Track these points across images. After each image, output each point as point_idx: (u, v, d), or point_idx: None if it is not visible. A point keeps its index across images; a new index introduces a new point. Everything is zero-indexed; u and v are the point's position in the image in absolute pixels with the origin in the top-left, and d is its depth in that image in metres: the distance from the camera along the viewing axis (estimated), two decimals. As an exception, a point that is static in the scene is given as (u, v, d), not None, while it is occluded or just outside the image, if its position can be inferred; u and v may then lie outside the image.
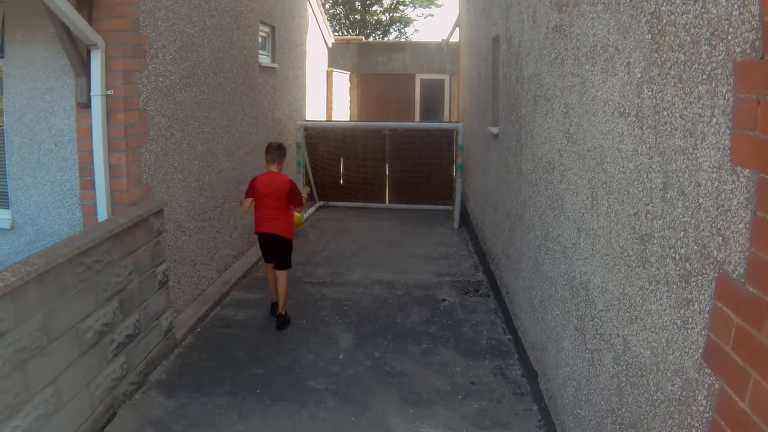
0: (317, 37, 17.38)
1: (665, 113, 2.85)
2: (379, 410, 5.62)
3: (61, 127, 6.24)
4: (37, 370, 4.33)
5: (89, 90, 5.96)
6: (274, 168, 7.56)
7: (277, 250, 7.56)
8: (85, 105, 6.01)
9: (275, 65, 11.94)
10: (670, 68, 2.80)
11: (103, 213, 6.08)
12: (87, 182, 6.18)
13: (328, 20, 20.32)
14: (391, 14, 42.63)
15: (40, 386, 4.36)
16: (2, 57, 6.32)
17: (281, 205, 7.42)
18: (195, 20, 7.69)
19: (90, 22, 5.81)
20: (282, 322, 7.47)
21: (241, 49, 9.61)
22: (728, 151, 2.29)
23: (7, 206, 6.57)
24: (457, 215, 13.00)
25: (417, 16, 51.31)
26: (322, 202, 14.88)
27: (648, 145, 3.06)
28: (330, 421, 5.44)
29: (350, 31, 40.92)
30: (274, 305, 7.76)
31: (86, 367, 4.98)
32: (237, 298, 8.53)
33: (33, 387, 4.27)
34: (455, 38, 19.15)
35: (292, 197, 7.48)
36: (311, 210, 14.13)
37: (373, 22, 42.20)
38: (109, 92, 6.00)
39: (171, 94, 7.11)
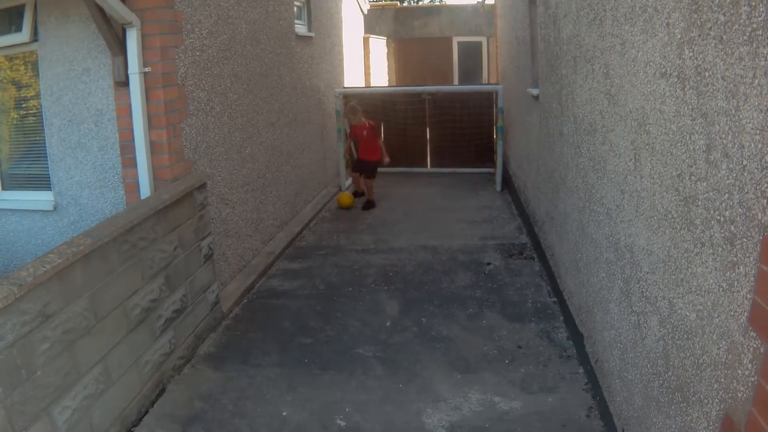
0: (352, 4, 17.30)
1: (707, 74, 2.79)
2: (427, 377, 5.65)
3: (100, 107, 6.28)
4: (86, 349, 4.40)
5: (127, 68, 5.98)
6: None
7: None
8: (123, 83, 6.04)
9: (312, 34, 11.90)
10: (710, 29, 2.74)
11: (145, 190, 6.13)
12: (128, 160, 6.23)
13: (363, -14, 20.22)
14: (426, -23, 42.27)
15: (89, 365, 4.44)
16: (36, 41, 6.36)
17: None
18: (230, -7, 7.68)
19: (124, 0, 5.82)
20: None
21: (277, 19, 9.59)
22: (771, 113, 2.24)
23: (49, 188, 6.65)
24: (499, 178, 12.95)
25: (452, -22, 50.78)
26: (363, 169, 14.89)
27: (690, 107, 3.01)
28: (379, 389, 5.48)
29: (384, -5, 40.64)
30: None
31: (134, 344, 5.06)
32: (282, 268, 8.59)
33: (82, 367, 4.35)
34: (490, 0, 18.96)
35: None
36: (353, 177, 14.17)
37: (408, -15, 41.88)
38: (147, 69, 6.02)
39: (209, 68, 7.12)
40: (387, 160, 12.01)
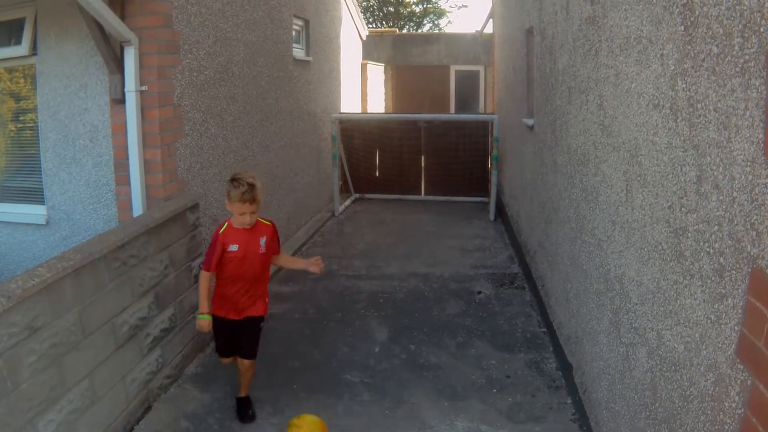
0: (351, 29, 17.39)
1: (699, 106, 2.81)
2: (414, 404, 5.62)
3: (95, 123, 6.29)
4: (73, 364, 4.38)
5: (123, 86, 6.00)
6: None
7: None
8: (119, 101, 6.06)
9: (310, 59, 11.96)
10: (703, 60, 2.76)
11: (138, 208, 6.13)
12: (122, 177, 6.24)
13: (362, 12, 20.34)
14: (424, 5, 42.53)
15: (76, 380, 4.42)
16: (35, 54, 6.39)
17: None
18: (228, 15, 7.72)
19: (123, 18, 5.85)
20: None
21: (275, 43, 9.64)
22: (762, 145, 2.25)
23: (42, 202, 6.66)
24: (492, 207, 12.96)
25: (450, 7, 51.08)
26: (357, 195, 14.92)
27: (682, 138, 3.02)
28: (365, 415, 5.45)
29: (384, 23, 40.89)
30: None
31: (122, 361, 5.04)
32: (272, 291, 8.49)
33: (68, 381, 4.33)
34: (489, 29, 19.08)
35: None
36: (347, 202, 14.17)
37: (407, 13, 42.11)
38: (143, 88, 6.05)
39: (205, 89, 7.14)
40: (318, 268, 5.63)
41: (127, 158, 6.15)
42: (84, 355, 4.52)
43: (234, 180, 5.03)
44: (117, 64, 5.96)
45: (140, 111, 6.07)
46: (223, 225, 5.21)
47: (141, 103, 6.07)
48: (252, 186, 4.98)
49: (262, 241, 5.30)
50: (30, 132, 6.67)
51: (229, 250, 5.13)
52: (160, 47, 6.12)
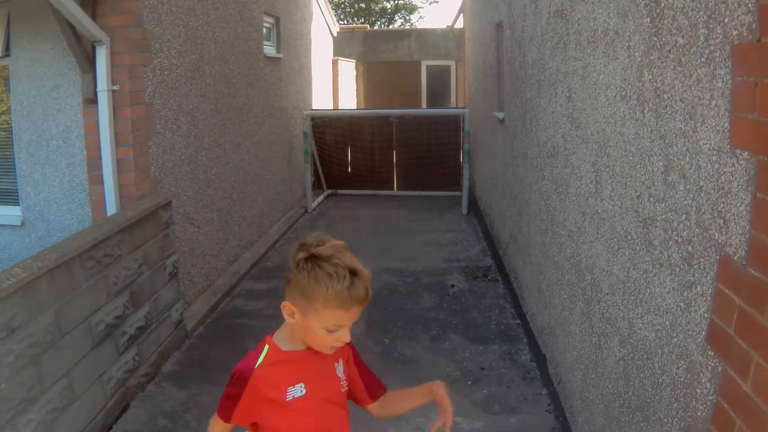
0: (322, 26, 17.39)
1: (665, 96, 2.86)
2: (390, 397, 5.64)
3: (68, 124, 6.28)
4: (50, 363, 4.37)
5: (95, 86, 5.99)
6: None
7: None
8: (91, 101, 6.05)
9: (280, 56, 11.96)
10: (669, 51, 2.81)
11: (111, 207, 6.13)
12: (95, 177, 6.23)
13: (333, 9, 20.33)
14: (395, 1, 42.52)
15: (53, 380, 4.41)
16: (8, 56, 6.36)
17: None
18: (199, 13, 7.71)
19: (94, 18, 5.84)
20: None
21: (245, 40, 9.63)
22: (727, 134, 2.29)
23: (17, 203, 6.64)
24: (465, 201, 13.01)
25: (422, 2, 51.07)
26: (330, 191, 14.91)
27: (649, 129, 3.07)
28: (341, 409, 5.47)
29: (355, 19, 40.84)
30: None
31: (98, 359, 5.03)
32: (247, 288, 8.56)
33: (46, 381, 4.32)
34: (460, 24, 19.12)
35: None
36: (320, 198, 14.17)
37: (378, 9, 42.10)
38: (115, 87, 6.04)
39: (177, 88, 7.14)
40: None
41: (100, 158, 6.14)
42: (61, 354, 4.51)
43: (317, 260, 2.22)
44: (89, 63, 5.95)
45: (112, 110, 6.06)
46: (261, 351, 2.43)
47: (113, 103, 6.06)
48: (356, 272, 2.26)
49: (339, 368, 2.57)
50: (4, 133, 6.64)
51: (289, 398, 2.36)
52: (131, 46, 6.11)
